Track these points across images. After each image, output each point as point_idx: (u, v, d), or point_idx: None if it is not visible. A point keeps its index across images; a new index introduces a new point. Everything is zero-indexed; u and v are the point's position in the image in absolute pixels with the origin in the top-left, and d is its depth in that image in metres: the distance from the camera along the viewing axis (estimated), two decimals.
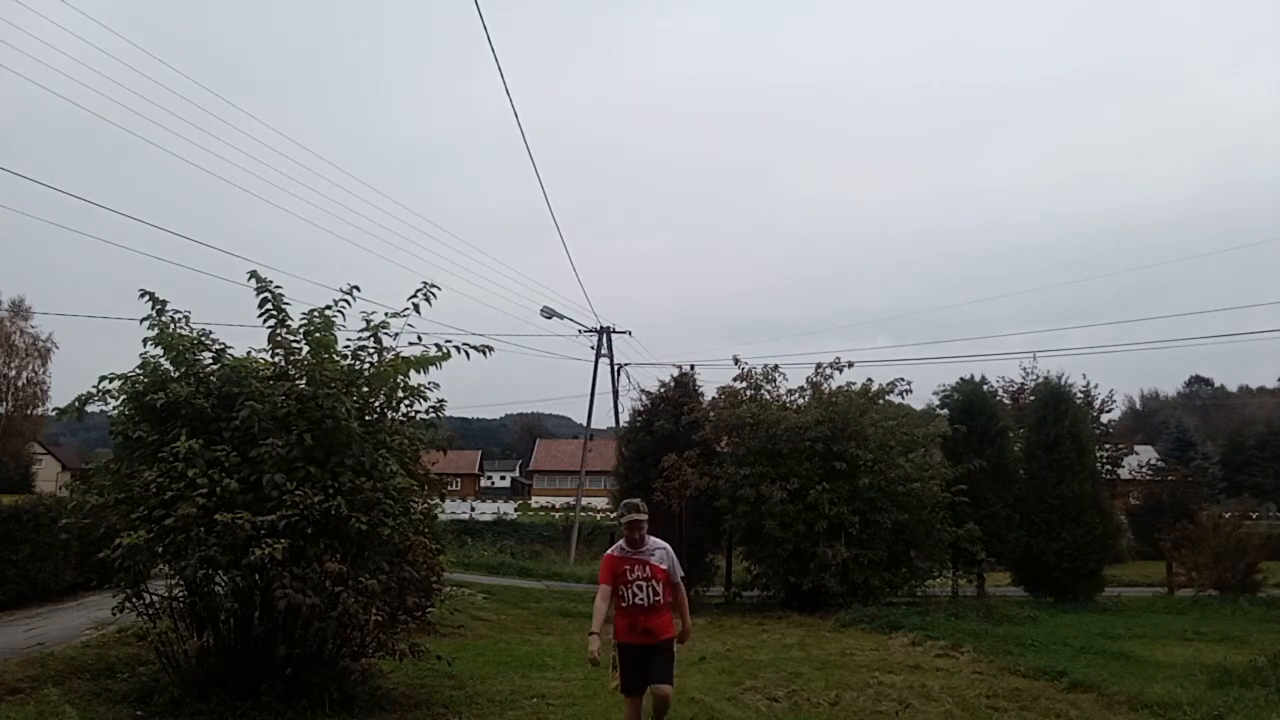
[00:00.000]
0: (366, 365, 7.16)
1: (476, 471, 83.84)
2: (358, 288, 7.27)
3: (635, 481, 17.29)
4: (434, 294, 7.34)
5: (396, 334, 7.26)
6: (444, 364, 7.35)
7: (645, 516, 5.44)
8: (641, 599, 5.29)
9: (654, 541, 5.50)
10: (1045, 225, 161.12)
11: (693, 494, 15.69)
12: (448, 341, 7.43)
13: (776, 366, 17.16)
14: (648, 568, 5.33)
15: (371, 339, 7.20)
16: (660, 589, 5.33)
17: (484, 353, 7.58)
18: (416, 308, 7.25)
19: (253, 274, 7.15)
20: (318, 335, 7.00)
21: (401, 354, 7.28)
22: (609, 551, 5.59)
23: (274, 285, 7.12)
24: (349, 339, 7.20)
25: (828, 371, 16.69)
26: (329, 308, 7.13)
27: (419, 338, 7.37)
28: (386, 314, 7.29)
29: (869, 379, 16.80)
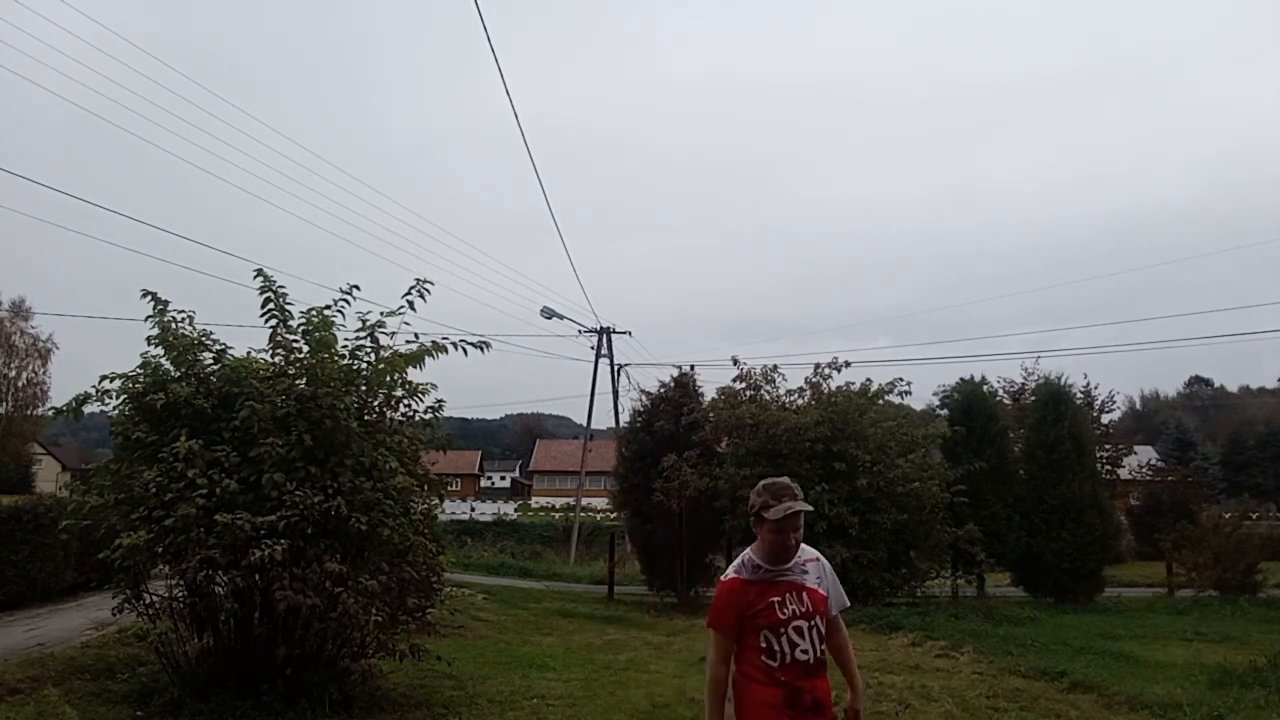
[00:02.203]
0: (364, 364, 7.16)
1: (476, 472, 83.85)
2: (357, 287, 7.28)
3: (635, 482, 17.29)
4: (427, 290, 7.34)
5: (393, 333, 7.26)
6: (443, 363, 7.36)
7: (806, 507, 3.16)
8: (805, 651, 3.08)
9: (803, 550, 3.25)
10: (1045, 225, 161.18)
11: (693, 494, 15.68)
12: (444, 338, 7.44)
13: (775, 367, 17.13)
14: (804, 596, 3.14)
15: (368, 338, 7.19)
16: (824, 627, 3.17)
17: (481, 348, 7.58)
18: (411, 305, 7.24)
19: (259, 272, 7.16)
20: (317, 335, 7.00)
21: (399, 352, 7.29)
22: (730, 575, 3.24)
23: (278, 286, 7.12)
24: (347, 339, 7.20)
25: (826, 372, 16.69)
26: (328, 307, 7.13)
27: (416, 336, 7.39)
28: (382, 313, 7.29)
29: (868, 379, 16.81)
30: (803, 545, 3.19)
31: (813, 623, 3.11)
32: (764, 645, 3.07)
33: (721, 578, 3.27)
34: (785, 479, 3.21)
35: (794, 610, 3.09)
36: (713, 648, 3.19)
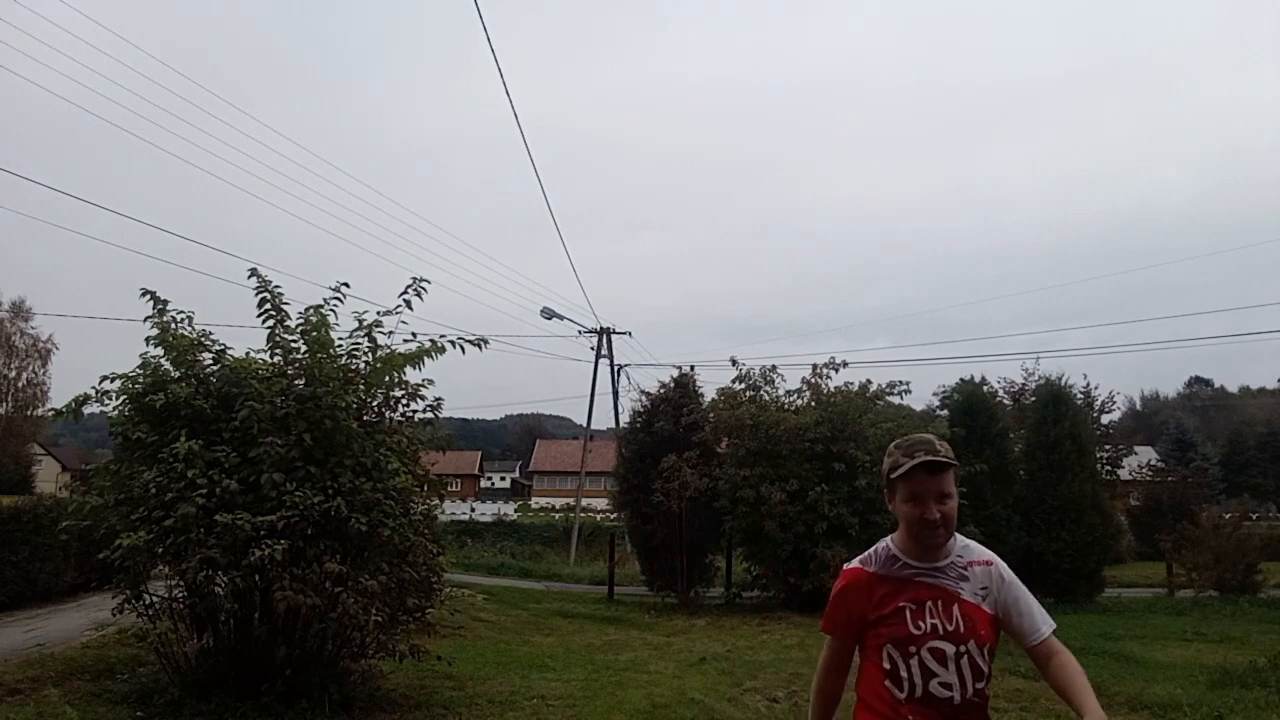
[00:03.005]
0: (362, 364, 7.16)
1: (476, 472, 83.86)
2: (346, 284, 7.26)
3: (635, 482, 17.29)
4: (424, 289, 7.33)
5: (390, 332, 7.26)
6: (443, 363, 7.35)
7: (951, 463, 2.31)
8: (946, 686, 2.26)
9: (969, 549, 2.41)
10: (1045, 225, 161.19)
11: (692, 495, 15.68)
12: (442, 337, 7.44)
13: (774, 367, 17.15)
14: (955, 610, 2.30)
15: (366, 337, 7.19)
16: (985, 661, 2.30)
17: (480, 346, 7.58)
18: (408, 304, 7.24)
19: (253, 272, 7.15)
20: (314, 334, 7.00)
21: (397, 351, 7.29)
22: (854, 564, 2.47)
23: (274, 285, 7.12)
24: (342, 338, 7.20)
25: (824, 372, 16.71)
26: (321, 306, 7.13)
27: (413, 335, 7.38)
28: (379, 312, 7.29)
29: (866, 380, 16.82)
30: (970, 543, 2.37)
31: (963, 649, 2.21)
32: (888, 666, 2.26)
33: (850, 565, 2.44)
34: (925, 435, 2.37)
35: (934, 626, 2.23)
36: (824, 650, 2.49)
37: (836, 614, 2.41)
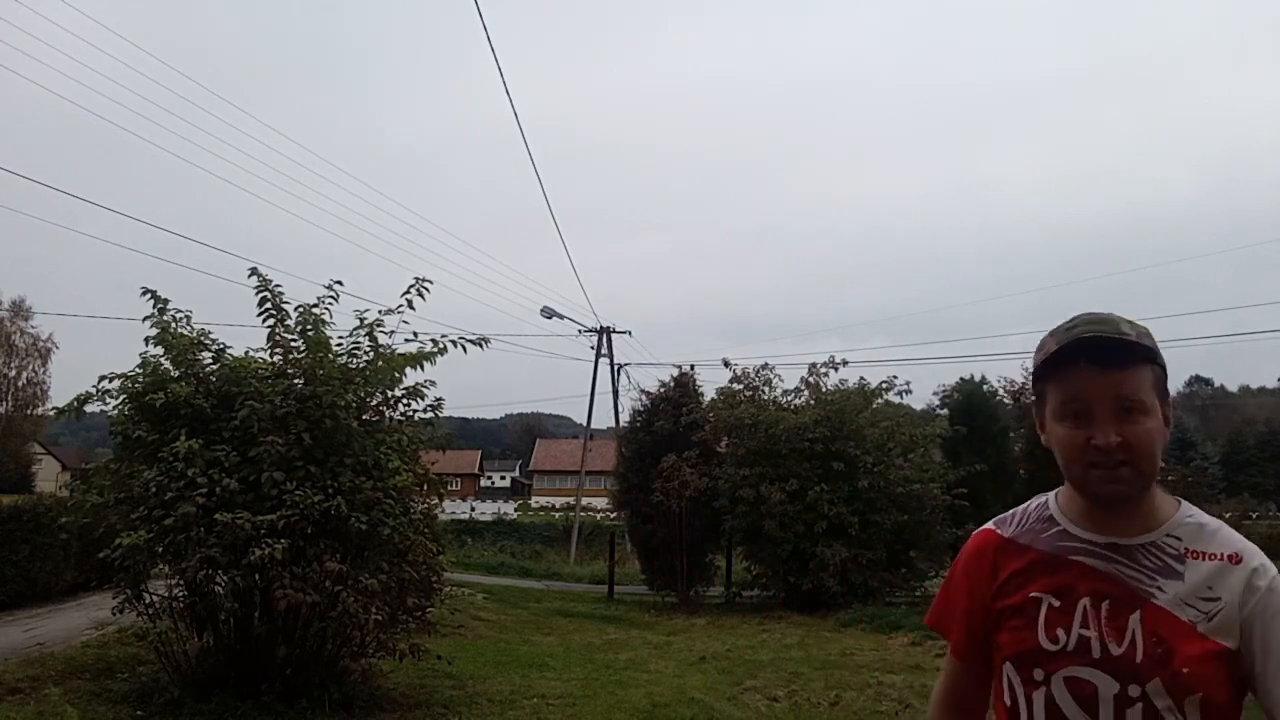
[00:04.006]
0: (363, 363, 7.16)
1: (476, 471, 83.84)
2: (340, 282, 7.28)
3: (635, 482, 17.29)
4: (427, 289, 7.34)
5: (392, 331, 7.27)
6: (443, 362, 7.35)
7: (1145, 347, 1.36)
8: None
9: (1202, 528, 1.39)
10: (1045, 225, 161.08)
11: (692, 495, 15.68)
12: (443, 337, 7.44)
13: (767, 365, 17.19)
14: (1137, 618, 1.33)
15: (366, 337, 7.19)
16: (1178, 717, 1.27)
17: (480, 345, 7.58)
18: (410, 303, 7.24)
19: (253, 271, 7.15)
20: (311, 334, 7.01)
21: (398, 350, 7.29)
22: (987, 525, 1.59)
23: (274, 284, 7.12)
24: (341, 337, 7.20)
25: (823, 371, 16.72)
26: (315, 305, 7.12)
27: (415, 335, 7.39)
28: (380, 311, 7.30)
29: (862, 378, 16.82)
30: (1207, 520, 1.41)
31: (1134, 692, 1.30)
32: (1007, 702, 1.43)
33: (983, 528, 1.59)
34: (1106, 315, 1.41)
35: (1085, 640, 1.35)
36: (943, 676, 1.65)
37: (946, 602, 1.57)
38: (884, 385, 16.69)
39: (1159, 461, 1.35)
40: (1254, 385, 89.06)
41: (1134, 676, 1.30)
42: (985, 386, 20.26)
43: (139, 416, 6.61)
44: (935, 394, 20.54)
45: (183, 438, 6.16)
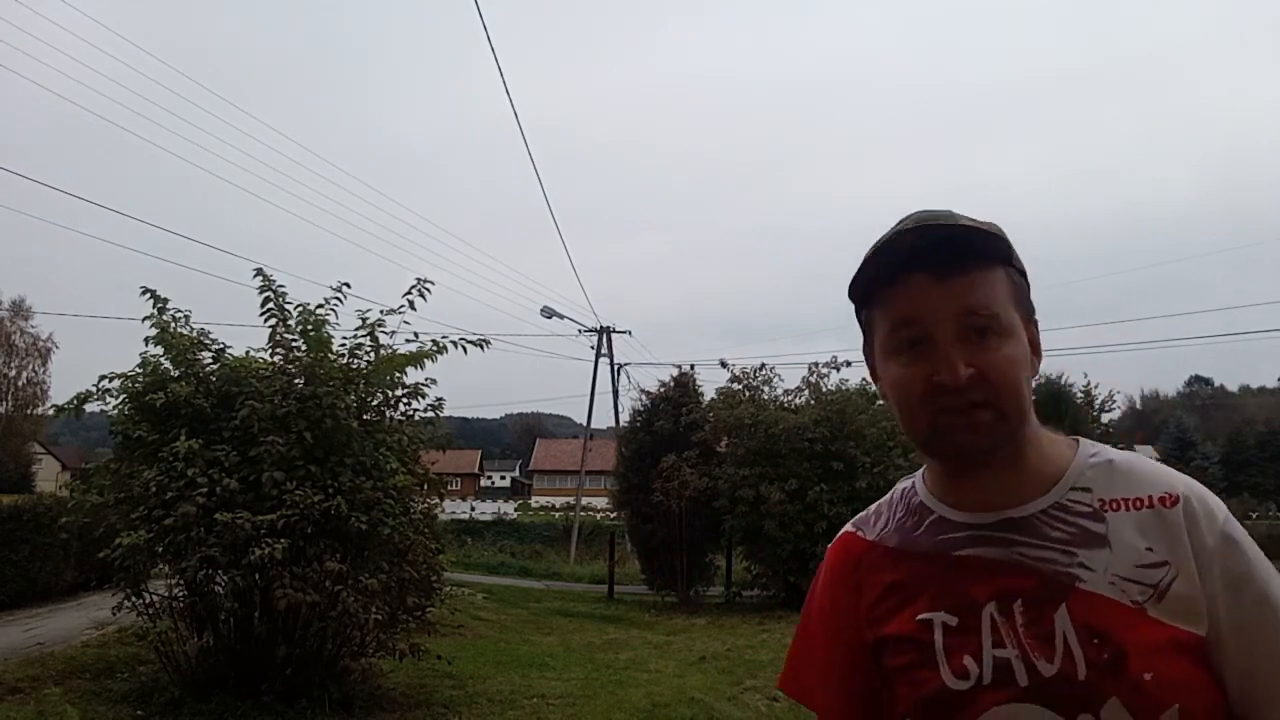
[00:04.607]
0: (364, 363, 7.16)
1: (476, 471, 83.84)
2: (348, 284, 7.29)
3: (635, 482, 17.30)
4: (428, 289, 7.35)
5: (393, 331, 7.27)
6: (443, 362, 7.36)
7: (991, 235, 1.00)
8: None
9: (1113, 466, 1.01)
10: (1045, 225, 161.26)
11: (692, 495, 15.69)
12: (444, 337, 7.45)
13: (765, 365, 17.21)
14: (1064, 616, 0.93)
15: (368, 337, 7.20)
16: None
17: (481, 346, 7.59)
18: (411, 304, 7.25)
19: (258, 271, 7.16)
20: (312, 334, 7.01)
21: (398, 351, 7.30)
22: (847, 527, 1.18)
23: (277, 285, 7.13)
24: (345, 337, 7.21)
25: (823, 371, 16.73)
26: (321, 306, 7.14)
27: (415, 335, 7.40)
28: (382, 311, 7.31)
29: (864, 379, 16.82)
30: (1116, 455, 1.05)
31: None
32: None
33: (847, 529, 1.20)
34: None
35: (1007, 662, 0.94)
36: None
37: (802, 651, 1.16)
38: None
39: (1028, 397, 0.98)
40: (1254, 385, 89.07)
41: (1082, 701, 0.89)
42: None
43: (139, 416, 6.61)
44: None
45: (183, 438, 6.16)
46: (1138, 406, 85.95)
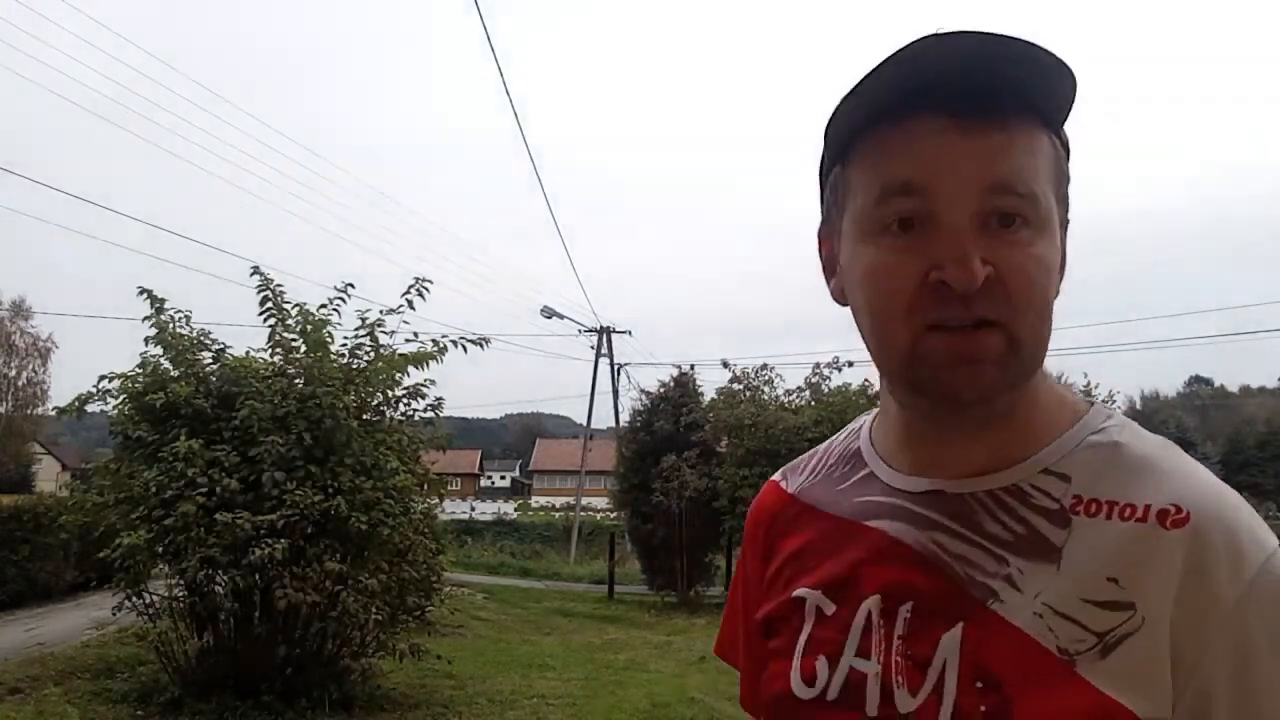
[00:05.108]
0: (364, 363, 7.17)
1: (476, 471, 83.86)
2: (352, 285, 7.30)
3: (635, 482, 17.31)
4: (427, 289, 7.35)
5: (392, 331, 7.28)
6: (443, 361, 7.36)
7: (1056, 67, 0.65)
8: None
9: (1108, 434, 0.72)
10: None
11: (692, 494, 15.70)
12: (444, 337, 7.46)
13: (765, 366, 17.23)
14: (953, 641, 0.68)
15: (368, 337, 7.21)
16: None
17: (480, 345, 7.60)
18: (410, 304, 7.25)
19: (255, 270, 7.16)
20: (312, 334, 7.02)
21: (398, 351, 7.31)
22: (774, 477, 0.95)
23: (275, 284, 7.13)
24: (346, 337, 7.22)
25: (825, 372, 16.74)
26: (323, 306, 7.14)
27: (415, 335, 7.41)
28: (381, 311, 7.31)
29: (866, 380, 16.82)
30: (1122, 433, 0.74)
31: None
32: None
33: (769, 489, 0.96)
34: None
35: (863, 679, 0.72)
36: None
37: (728, 613, 1.00)
38: None
39: (1051, 326, 0.70)
40: (1254, 385, 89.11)
41: None
42: None
43: (139, 416, 6.62)
44: None
45: (183, 438, 6.16)
46: (1138, 406, 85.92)
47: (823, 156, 0.78)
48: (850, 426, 0.92)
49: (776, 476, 0.95)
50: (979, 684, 0.66)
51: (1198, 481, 0.70)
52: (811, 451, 0.94)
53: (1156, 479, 0.69)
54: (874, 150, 0.70)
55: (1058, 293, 0.71)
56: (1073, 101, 0.69)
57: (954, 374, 0.68)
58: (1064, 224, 0.74)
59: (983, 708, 0.65)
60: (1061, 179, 0.72)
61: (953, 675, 0.67)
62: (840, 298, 0.79)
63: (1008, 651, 0.66)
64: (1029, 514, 0.70)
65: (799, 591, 0.80)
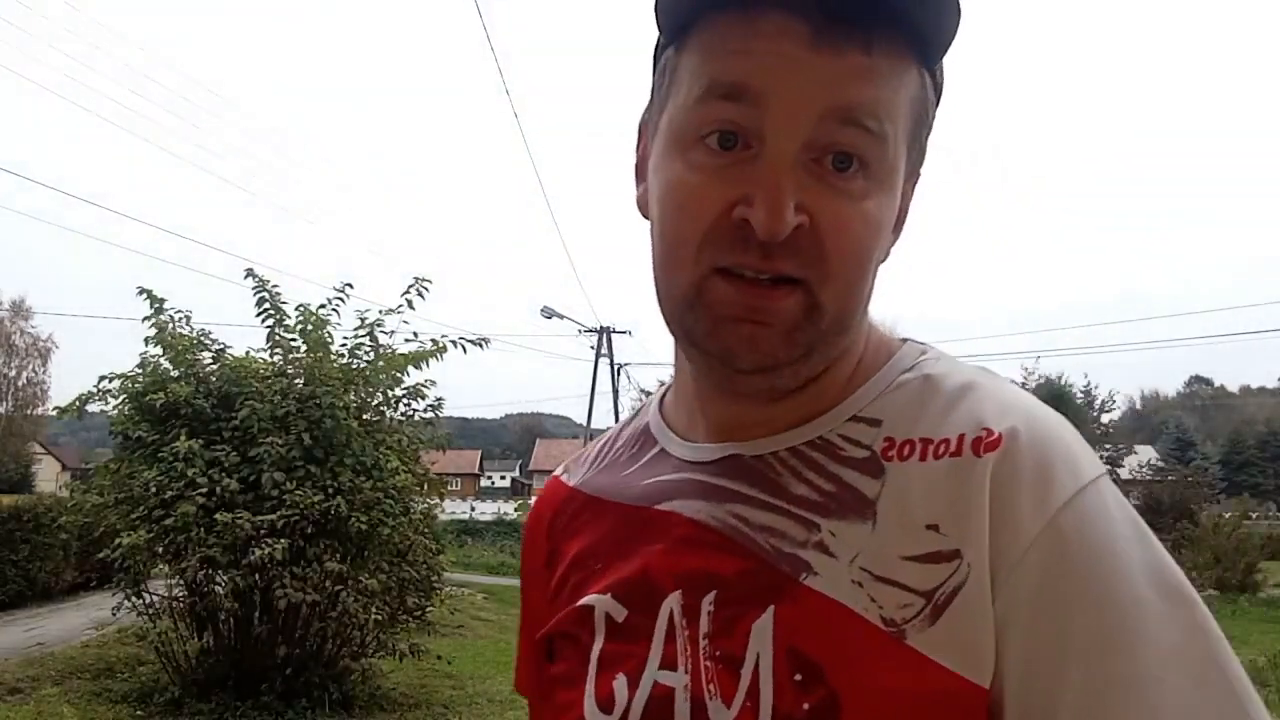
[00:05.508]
0: (363, 363, 7.17)
1: (476, 471, 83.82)
2: (350, 285, 7.31)
3: None
4: (426, 288, 7.35)
5: (392, 331, 7.29)
6: (443, 361, 7.37)
7: None
8: None
9: (921, 370, 0.63)
10: (1045, 225, 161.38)
11: None
12: (443, 336, 7.46)
13: None
14: (765, 628, 0.57)
15: (368, 337, 7.21)
16: None
17: (480, 345, 7.60)
18: (410, 303, 7.26)
19: (249, 272, 7.16)
20: (313, 334, 7.02)
21: (398, 351, 7.31)
22: (557, 471, 0.87)
23: (271, 284, 7.13)
24: (345, 337, 7.22)
25: None
26: (323, 306, 7.15)
27: (415, 334, 7.41)
28: (381, 311, 7.32)
29: None
30: (936, 365, 0.64)
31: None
32: None
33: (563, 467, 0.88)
34: None
35: (669, 695, 0.59)
36: None
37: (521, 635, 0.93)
38: None
39: (867, 295, 0.63)
40: (1254, 385, 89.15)
41: None
42: None
43: (139, 416, 6.62)
44: None
45: (183, 438, 6.17)
46: (1138, 406, 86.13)
47: (659, 41, 0.65)
48: (641, 404, 0.81)
49: (558, 470, 0.83)
50: (798, 677, 0.55)
51: (1013, 401, 0.59)
52: (600, 437, 0.83)
53: (969, 405, 0.59)
54: (711, 39, 0.58)
55: (886, 256, 0.64)
56: (954, 36, 0.58)
57: (734, 331, 0.58)
58: (914, 176, 0.65)
59: (805, 706, 0.54)
60: (922, 124, 0.62)
61: (767, 671, 0.56)
62: (644, 210, 0.66)
63: (827, 632, 0.55)
64: (839, 468, 0.60)
65: (587, 600, 0.66)
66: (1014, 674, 0.52)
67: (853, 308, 0.60)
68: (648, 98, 0.67)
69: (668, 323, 0.64)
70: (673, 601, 0.61)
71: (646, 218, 0.65)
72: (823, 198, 0.56)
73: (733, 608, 0.59)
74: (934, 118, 0.63)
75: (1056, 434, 0.57)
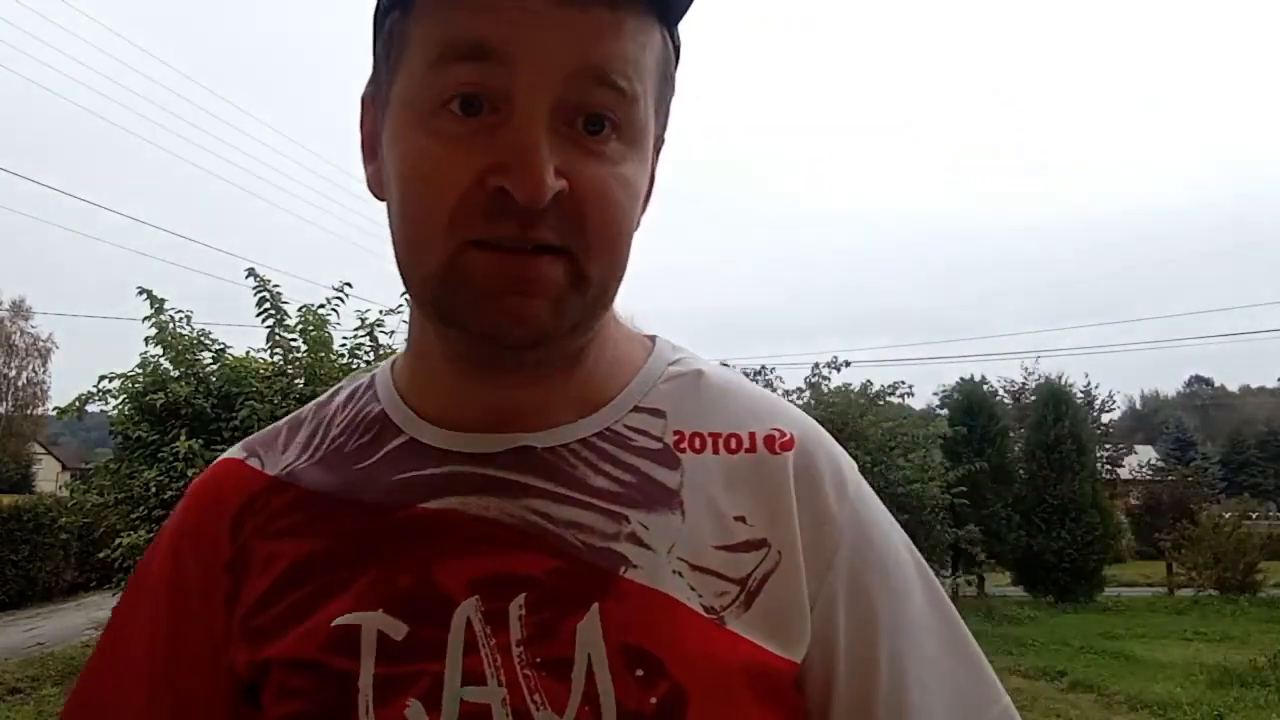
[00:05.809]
0: (363, 363, 7.17)
1: None
2: (349, 284, 7.31)
3: None
4: None
5: (392, 331, 7.29)
6: None
7: None
8: None
9: (684, 365, 0.67)
10: (1045, 224, 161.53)
11: None
12: None
13: (764, 368, 17.25)
14: (590, 627, 0.55)
15: (368, 337, 7.21)
16: None
17: None
18: (410, 303, 7.26)
19: (250, 272, 7.17)
20: (313, 334, 7.02)
21: (399, 351, 7.31)
22: (232, 453, 0.72)
23: (272, 284, 7.13)
24: (345, 337, 7.23)
25: (825, 372, 16.75)
26: (323, 306, 7.15)
27: None
28: (381, 311, 7.32)
29: (868, 380, 16.85)
30: (694, 362, 0.69)
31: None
32: None
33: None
34: None
35: (485, 711, 0.54)
36: None
37: (100, 682, 0.66)
38: (888, 389, 16.75)
39: (627, 258, 0.59)
40: (1254, 385, 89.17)
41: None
42: (985, 386, 20.38)
43: (139, 416, 6.63)
44: (935, 394, 20.66)
45: (183, 438, 6.17)
46: (1138, 406, 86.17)
47: (377, 10, 0.60)
48: (344, 387, 0.72)
49: (237, 453, 0.70)
50: (639, 673, 0.54)
51: (787, 406, 0.67)
52: (286, 421, 0.71)
53: (750, 406, 0.65)
54: (443, 2, 0.54)
55: (638, 225, 0.61)
56: None
57: (499, 304, 0.54)
58: (659, 144, 0.63)
59: (653, 700, 0.53)
60: (666, 86, 0.60)
61: (603, 671, 0.54)
62: (378, 190, 0.62)
63: (659, 624, 0.55)
64: (634, 459, 0.61)
65: (346, 618, 0.57)
66: (846, 630, 0.59)
67: (615, 278, 0.59)
68: (371, 69, 0.63)
69: (419, 304, 0.61)
70: (469, 609, 0.56)
71: (381, 199, 0.61)
72: (579, 162, 0.53)
73: (549, 609, 0.56)
74: (675, 81, 0.62)
75: (825, 434, 0.67)
